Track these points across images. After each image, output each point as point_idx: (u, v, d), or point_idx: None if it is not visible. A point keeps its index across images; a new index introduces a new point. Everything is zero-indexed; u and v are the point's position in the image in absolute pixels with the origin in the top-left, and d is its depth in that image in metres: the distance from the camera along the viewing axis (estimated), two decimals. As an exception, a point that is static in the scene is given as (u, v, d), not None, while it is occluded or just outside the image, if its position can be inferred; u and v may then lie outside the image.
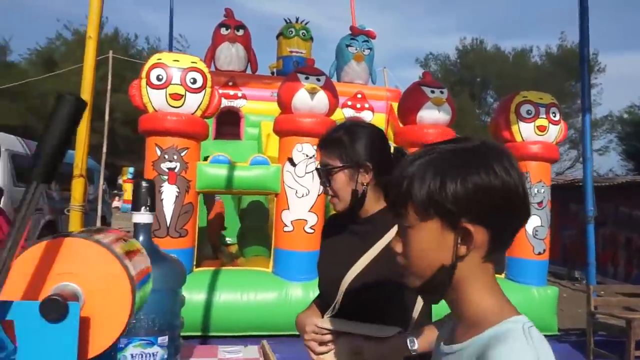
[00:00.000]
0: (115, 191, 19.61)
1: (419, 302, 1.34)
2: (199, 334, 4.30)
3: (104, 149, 11.20)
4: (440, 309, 1.40)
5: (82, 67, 4.14)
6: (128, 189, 22.51)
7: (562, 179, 11.06)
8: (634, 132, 23.37)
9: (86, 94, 4.11)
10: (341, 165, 1.39)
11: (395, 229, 1.44)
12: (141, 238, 1.63)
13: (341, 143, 1.40)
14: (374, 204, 1.42)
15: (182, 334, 4.61)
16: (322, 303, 1.48)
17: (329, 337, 1.34)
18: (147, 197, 1.62)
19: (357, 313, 1.33)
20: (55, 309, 0.51)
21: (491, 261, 0.81)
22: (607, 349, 4.71)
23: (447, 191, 0.78)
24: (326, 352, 1.34)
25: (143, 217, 1.62)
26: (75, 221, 4.04)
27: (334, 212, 1.55)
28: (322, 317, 1.42)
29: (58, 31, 22.99)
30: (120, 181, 22.48)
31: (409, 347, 1.24)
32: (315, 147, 4.61)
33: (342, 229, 1.49)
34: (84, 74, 4.06)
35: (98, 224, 10.95)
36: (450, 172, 0.79)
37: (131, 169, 22.63)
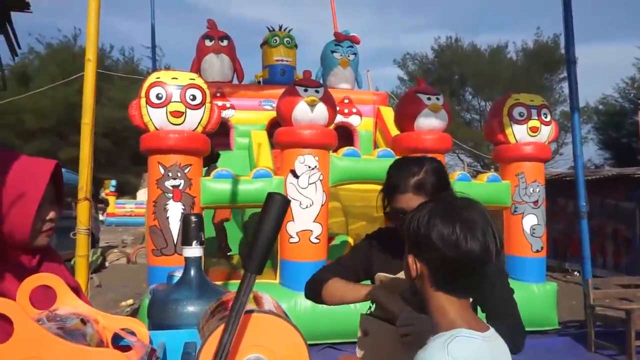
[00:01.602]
0: (101, 205, 19.36)
1: None
2: (211, 350, 4.30)
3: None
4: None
5: (58, 83, 4.13)
6: (111, 202, 22.23)
7: (548, 174, 11.31)
8: (609, 122, 23.95)
9: (87, 116, 4.10)
10: None
11: None
12: (192, 272, 1.66)
13: (429, 184, 1.47)
14: None
15: (197, 351, 4.51)
16: None
17: None
18: (197, 231, 1.66)
19: None
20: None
21: (444, 291, 1.00)
22: (607, 340, 4.86)
23: (408, 228, 1.04)
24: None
25: (194, 251, 1.66)
26: (82, 244, 4.03)
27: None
28: None
29: (30, 45, 22.61)
30: (102, 194, 22.16)
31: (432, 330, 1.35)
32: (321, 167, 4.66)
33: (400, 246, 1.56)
34: (84, 98, 4.04)
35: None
36: (419, 217, 1.02)
37: (113, 182, 22.34)
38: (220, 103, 8.17)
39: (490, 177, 5.27)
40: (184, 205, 4.42)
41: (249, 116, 8.24)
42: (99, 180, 21.27)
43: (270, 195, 0.62)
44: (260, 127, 8.06)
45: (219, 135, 8.28)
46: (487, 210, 1.06)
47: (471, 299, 1.44)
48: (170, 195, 4.39)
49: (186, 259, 1.62)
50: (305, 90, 4.68)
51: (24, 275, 1.17)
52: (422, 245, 1.00)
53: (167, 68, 23.58)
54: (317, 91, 4.70)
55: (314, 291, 1.67)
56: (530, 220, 5.25)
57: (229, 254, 6.63)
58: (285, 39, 9.01)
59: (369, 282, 1.66)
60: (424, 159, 1.56)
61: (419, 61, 25.90)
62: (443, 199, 1.08)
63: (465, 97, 26.09)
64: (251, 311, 0.64)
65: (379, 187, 1.63)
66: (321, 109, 4.67)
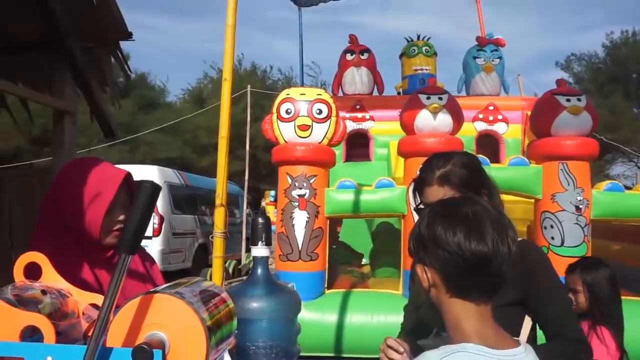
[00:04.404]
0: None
1: (526, 326, 1.29)
2: (332, 354, 4.42)
3: (246, 175, 12.11)
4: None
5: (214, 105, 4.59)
6: (270, 211, 23.97)
7: None
8: None
9: (224, 130, 4.48)
10: None
11: None
12: (259, 270, 1.77)
13: (456, 177, 1.40)
14: None
15: (316, 354, 4.78)
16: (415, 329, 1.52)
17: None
18: (263, 232, 1.76)
19: None
20: (143, 355, 0.62)
21: (459, 296, 0.94)
22: None
23: (413, 237, 1.00)
24: None
25: (260, 250, 1.77)
26: (217, 247, 4.42)
27: None
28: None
29: (204, 71, 25.54)
30: (263, 204, 23.97)
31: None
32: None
33: None
34: (221, 112, 4.43)
35: (243, 245, 11.83)
36: (421, 225, 0.98)
37: (272, 192, 24.07)
38: (359, 115, 8.42)
39: (650, 187, 4.59)
40: (308, 214, 4.62)
41: (388, 127, 8.29)
42: (260, 191, 23.08)
43: (139, 183, 0.68)
44: (399, 138, 8.05)
45: (359, 147, 8.52)
46: (494, 207, 0.99)
47: (528, 317, 1.31)
48: (297, 204, 4.63)
49: (254, 257, 1.74)
50: (428, 98, 4.59)
51: (98, 266, 1.38)
52: (429, 250, 0.96)
53: (323, 84, 24.81)
54: (440, 98, 4.58)
55: None
56: None
57: (362, 264, 6.73)
58: (424, 48, 8.91)
59: None
60: (454, 153, 1.50)
61: (586, 61, 23.44)
62: (445, 200, 1.03)
63: (645, 98, 22.90)
64: (155, 292, 0.70)
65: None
66: (444, 117, 4.53)
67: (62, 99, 3.61)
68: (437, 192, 1.40)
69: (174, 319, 0.67)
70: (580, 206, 4.41)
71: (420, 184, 1.47)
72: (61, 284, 0.80)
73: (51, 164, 4.29)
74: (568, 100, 4.48)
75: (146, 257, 1.59)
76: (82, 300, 0.80)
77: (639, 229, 5.12)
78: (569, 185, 4.45)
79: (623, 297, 4.61)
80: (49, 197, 1.37)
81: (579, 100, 4.49)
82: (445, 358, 0.87)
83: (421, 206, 1.45)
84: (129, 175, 1.39)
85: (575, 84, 22.62)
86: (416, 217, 1.51)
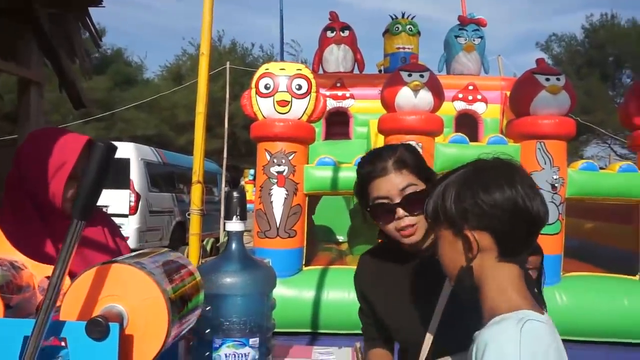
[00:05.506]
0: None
1: None
2: (309, 330, 4.44)
3: (225, 154, 11.99)
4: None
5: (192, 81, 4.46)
6: (249, 190, 23.82)
7: None
8: None
9: (201, 105, 4.38)
10: (424, 185, 1.27)
11: None
12: (234, 245, 1.73)
13: (410, 160, 1.30)
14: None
15: (292, 330, 4.78)
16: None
17: None
18: (238, 206, 1.71)
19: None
20: (98, 329, 0.58)
21: (509, 261, 0.91)
22: None
23: (450, 203, 0.92)
24: None
25: (235, 225, 1.72)
26: (194, 224, 4.36)
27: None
28: None
29: (183, 48, 25.02)
30: (242, 182, 23.82)
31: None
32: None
33: (399, 267, 1.39)
34: (198, 87, 4.32)
35: (221, 223, 11.76)
36: (460, 188, 0.93)
37: (252, 171, 23.89)
38: (340, 93, 8.35)
39: (622, 166, 4.65)
40: (287, 190, 4.58)
41: (368, 105, 8.25)
42: (240, 170, 22.91)
43: (92, 144, 0.63)
44: (379, 116, 8.03)
45: (339, 125, 8.46)
46: None
47: None
48: (275, 180, 4.58)
49: (228, 232, 1.70)
50: (409, 75, 4.55)
51: (62, 239, 1.33)
52: (488, 213, 0.90)
53: (304, 62, 24.57)
54: (421, 75, 4.55)
55: None
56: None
57: (340, 241, 6.74)
58: (408, 26, 8.84)
59: None
60: (396, 144, 1.38)
61: (566, 43, 23.61)
62: (485, 163, 0.97)
63: (621, 80, 23.23)
64: (113, 261, 0.66)
65: None
66: (425, 94, 4.50)
67: (28, 68, 3.45)
68: (396, 179, 1.28)
69: (133, 291, 0.63)
70: (556, 185, 4.45)
71: (369, 178, 1.32)
72: (15, 256, 0.75)
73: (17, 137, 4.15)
74: (547, 79, 4.49)
75: (115, 233, 1.54)
76: (38, 273, 0.75)
77: (612, 207, 5.21)
78: (545, 164, 4.49)
79: (596, 274, 4.76)
80: (13, 170, 1.32)
81: (558, 79, 4.50)
82: (526, 324, 0.84)
83: (381, 201, 1.29)
84: (91, 142, 1.33)
85: (553, 66, 22.80)
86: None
